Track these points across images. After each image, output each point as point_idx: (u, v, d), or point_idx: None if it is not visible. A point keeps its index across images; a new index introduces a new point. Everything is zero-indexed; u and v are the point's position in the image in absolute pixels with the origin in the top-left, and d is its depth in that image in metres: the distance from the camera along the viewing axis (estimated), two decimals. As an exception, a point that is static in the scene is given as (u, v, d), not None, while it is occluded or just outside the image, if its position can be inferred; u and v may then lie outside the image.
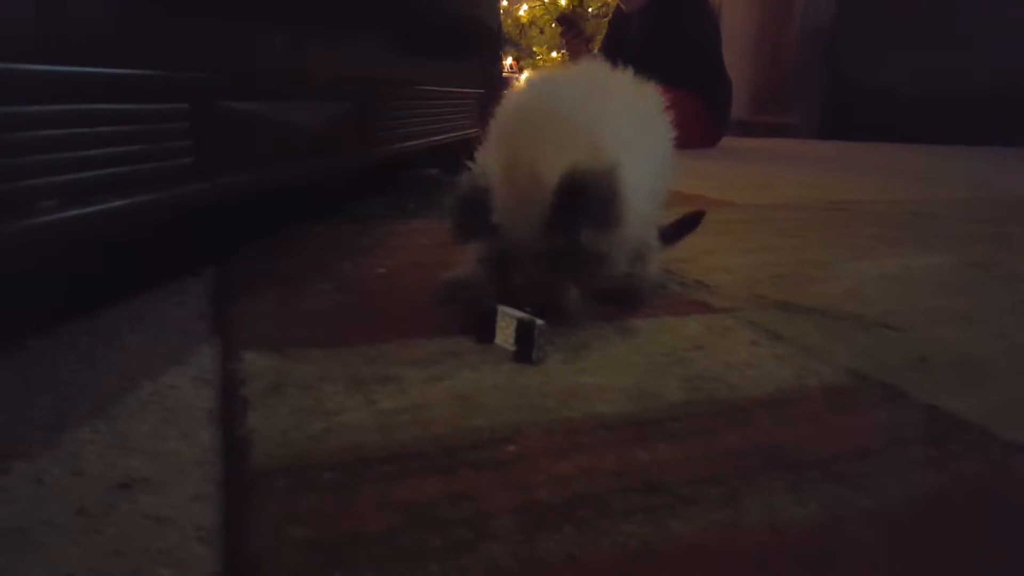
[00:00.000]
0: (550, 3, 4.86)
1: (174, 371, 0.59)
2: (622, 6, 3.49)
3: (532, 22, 4.95)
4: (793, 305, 0.78)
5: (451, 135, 1.47)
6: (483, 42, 1.66)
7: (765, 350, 0.64)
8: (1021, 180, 2.33)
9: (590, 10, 4.82)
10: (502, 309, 0.62)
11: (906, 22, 4.42)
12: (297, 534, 0.36)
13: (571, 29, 3.52)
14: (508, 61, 5.11)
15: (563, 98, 0.68)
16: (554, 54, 4.76)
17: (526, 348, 0.59)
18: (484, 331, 0.63)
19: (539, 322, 0.59)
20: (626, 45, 3.42)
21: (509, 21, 5.01)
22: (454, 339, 0.65)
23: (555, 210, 0.60)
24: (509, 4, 5.07)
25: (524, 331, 0.60)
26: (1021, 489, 0.42)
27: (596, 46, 3.74)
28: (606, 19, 3.84)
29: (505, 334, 0.62)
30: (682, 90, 3.18)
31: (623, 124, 0.68)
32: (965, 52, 4.29)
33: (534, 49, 4.98)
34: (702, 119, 3.30)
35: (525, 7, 5.01)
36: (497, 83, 1.95)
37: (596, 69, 0.78)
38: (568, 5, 4.77)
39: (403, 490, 0.40)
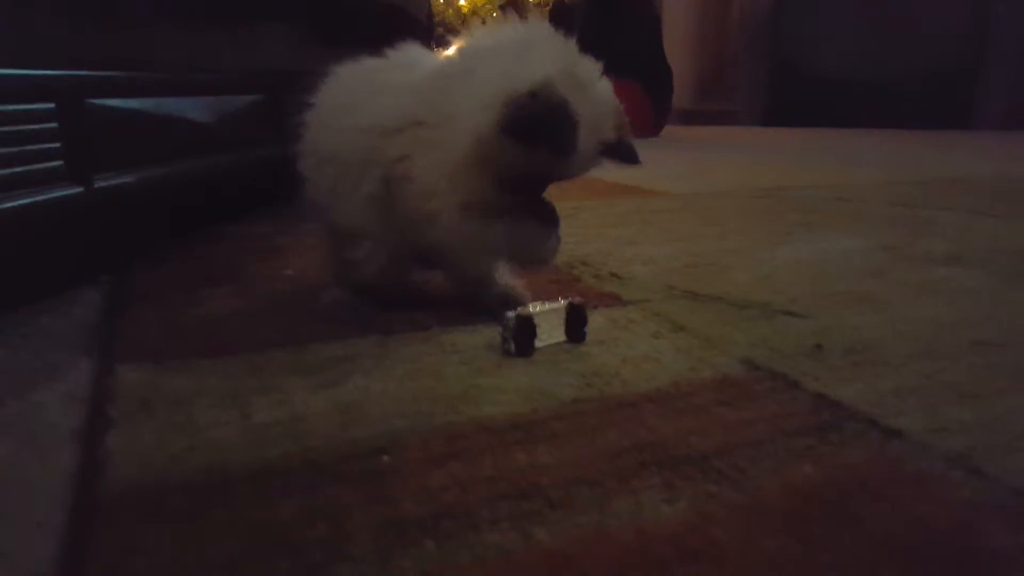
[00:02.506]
0: (492, -7, 4.81)
1: (44, 388, 0.55)
2: (562, -3, 3.49)
3: (474, 12, 4.90)
4: (702, 295, 0.77)
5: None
6: (409, 33, 1.63)
7: (666, 342, 0.63)
8: (943, 162, 2.40)
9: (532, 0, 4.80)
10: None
11: (840, 10, 4.52)
12: (136, 567, 0.34)
13: (512, 19, 3.49)
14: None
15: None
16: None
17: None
18: (524, 344, 0.60)
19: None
20: (567, 35, 3.41)
21: (451, 11, 4.95)
22: (352, 342, 0.63)
23: (519, 123, 0.57)
24: (451, -6, 5.01)
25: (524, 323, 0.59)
26: (893, 476, 0.42)
27: (537, 36, 3.72)
28: (548, 8, 3.83)
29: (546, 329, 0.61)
30: (624, 79, 3.20)
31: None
32: (895, 39, 4.41)
33: (477, 40, 4.93)
34: (644, 108, 3.32)
35: (466, -3, 4.95)
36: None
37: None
38: (509, -5, 4.73)
39: (259, 511, 0.38)
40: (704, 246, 1.03)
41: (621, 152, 0.63)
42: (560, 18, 3.50)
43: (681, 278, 0.85)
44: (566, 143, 0.58)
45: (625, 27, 3.23)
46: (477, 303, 0.69)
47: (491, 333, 0.64)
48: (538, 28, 0.64)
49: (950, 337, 0.65)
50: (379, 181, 0.65)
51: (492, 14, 4.25)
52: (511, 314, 0.60)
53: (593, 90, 0.61)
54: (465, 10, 4.90)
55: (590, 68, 0.62)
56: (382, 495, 0.39)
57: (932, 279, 0.85)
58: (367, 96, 0.67)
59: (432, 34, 3.23)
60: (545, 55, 0.61)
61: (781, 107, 4.74)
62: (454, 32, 4.98)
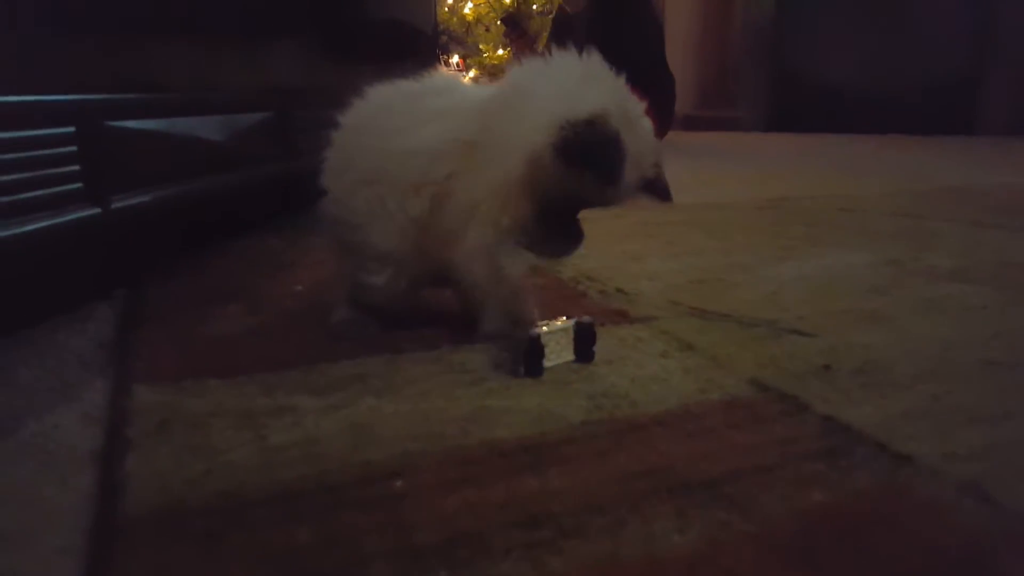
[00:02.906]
0: (495, 1, 4.84)
1: (62, 408, 0.56)
2: (565, 6, 3.50)
3: (478, 20, 4.93)
4: (710, 312, 0.78)
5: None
6: (415, 45, 1.64)
7: (674, 362, 0.64)
8: (946, 171, 2.40)
9: (535, 7, 4.82)
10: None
11: (843, 17, 4.53)
12: (156, 592, 0.34)
13: (515, 29, 3.52)
14: (455, 59, 5.08)
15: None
16: (500, 52, 4.75)
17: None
18: (533, 365, 0.61)
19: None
20: (570, 44, 3.42)
21: (455, 19, 4.98)
22: (362, 360, 0.63)
23: (572, 150, 0.59)
24: (455, 2, 5.04)
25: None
26: (903, 503, 0.42)
27: (540, 44, 3.74)
28: (551, 16, 3.84)
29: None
30: (627, 87, 3.21)
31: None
32: (900, 45, 4.41)
33: (480, 47, 4.96)
34: (647, 115, 3.33)
35: (471, 5, 4.98)
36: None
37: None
38: (512, 4, 4.76)
39: (276, 536, 0.38)
40: (710, 260, 1.03)
41: (656, 189, 0.66)
42: (563, 27, 3.51)
43: (688, 294, 0.85)
44: (614, 172, 0.61)
45: (628, 34, 3.24)
46: (484, 326, 0.69)
47: (499, 353, 0.65)
48: (593, 62, 0.66)
49: (958, 356, 0.65)
50: (427, 202, 0.66)
51: (497, 22, 4.26)
52: (520, 335, 0.61)
53: (639, 127, 0.64)
54: (469, 18, 4.93)
55: (638, 106, 0.64)
56: (397, 521, 0.40)
57: (939, 295, 0.85)
58: (414, 119, 0.67)
59: (437, 46, 3.25)
60: (601, 88, 0.63)
61: (783, 113, 4.74)
62: (458, 41, 5.02)
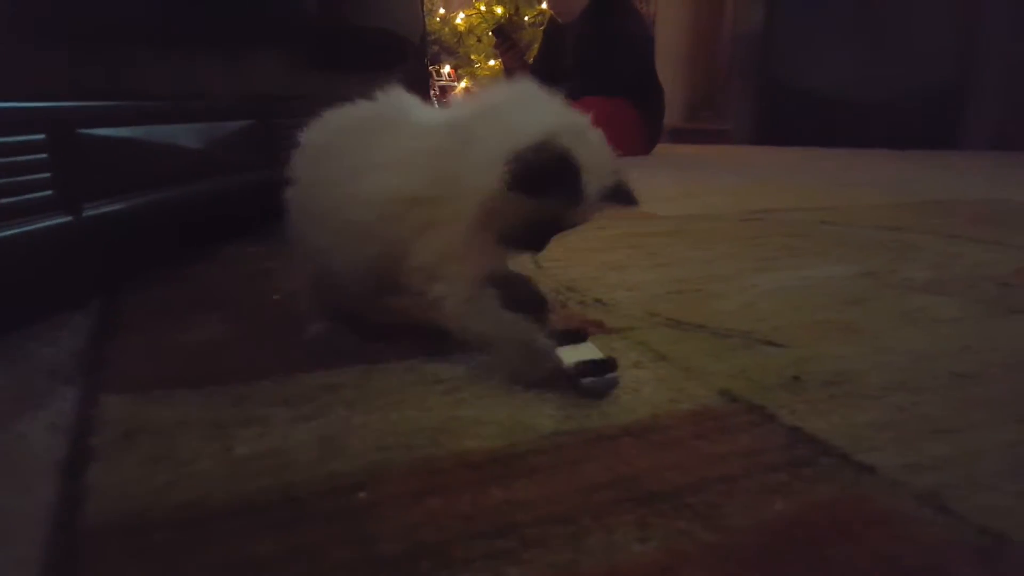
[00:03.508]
0: (487, 12, 4.87)
1: (29, 417, 0.56)
2: (557, 18, 3.52)
3: (470, 30, 4.95)
4: (685, 323, 0.78)
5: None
6: (402, 55, 1.65)
7: (647, 372, 0.64)
8: (935, 184, 2.43)
9: (526, 19, 4.85)
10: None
11: (832, 30, 4.58)
12: (113, 604, 0.34)
13: (505, 41, 3.54)
14: (446, 69, 5.10)
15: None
16: (492, 63, 4.77)
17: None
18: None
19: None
20: (561, 55, 3.46)
21: (447, 29, 5.00)
22: (336, 371, 0.63)
23: (529, 175, 0.57)
24: (447, 12, 5.06)
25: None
26: (862, 515, 0.42)
27: (531, 56, 3.76)
28: (542, 28, 3.87)
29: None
30: (617, 98, 3.24)
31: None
32: (890, 58, 4.47)
33: (472, 57, 4.98)
34: (637, 127, 3.36)
35: (462, 15, 5.01)
36: (422, 95, 1.94)
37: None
38: (504, 14, 4.78)
39: (238, 549, 0.38)
40: (690, 271, 1.04)
41: (620, 195, 0.64)
42: (554, 38, 3.53)
43: (666, 305, 0.86)
44: (575, 190, 0.59)
45: (618, 47, 3.27)
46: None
47: (475, 363, 0.65)
48: (525, 88, 0.64)
49: (928, 368, 0.66)
50: (378, 258, 0.65)
51: (488, 33, 4.29)
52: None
53: (588, 138, 0.62)
54: (461, 29, 4.95)
55: (582, 119, 0.63)
56: (360, 532, 0.40)
57: (913, 308, 0.86)
58: (362, 163, 0.65)
59: (426, 55, 3.26)
60: (539, 110, 0.62)
61: (772, 126, 4.78)
62: (450, 51, 5.04)
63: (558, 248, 0.73)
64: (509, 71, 3.67)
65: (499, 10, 4.83)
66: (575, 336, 0.65)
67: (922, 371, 0.65)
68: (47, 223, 0.60)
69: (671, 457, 0.49)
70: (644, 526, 0.41)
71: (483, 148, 0.59)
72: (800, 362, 0.67)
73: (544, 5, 4.47)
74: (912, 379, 0.63)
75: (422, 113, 0.69)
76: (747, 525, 0.41)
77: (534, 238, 0.64)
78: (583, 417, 0.55)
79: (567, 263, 1.08)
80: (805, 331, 0.76)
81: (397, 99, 0.70)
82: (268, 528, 0.40)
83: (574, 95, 3.11)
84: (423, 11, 2.15)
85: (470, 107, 0.67)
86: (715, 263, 1.10)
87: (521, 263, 0.76)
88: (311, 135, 0.71)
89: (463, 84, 5.01)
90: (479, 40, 4.86)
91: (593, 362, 0.59)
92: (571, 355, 0.61)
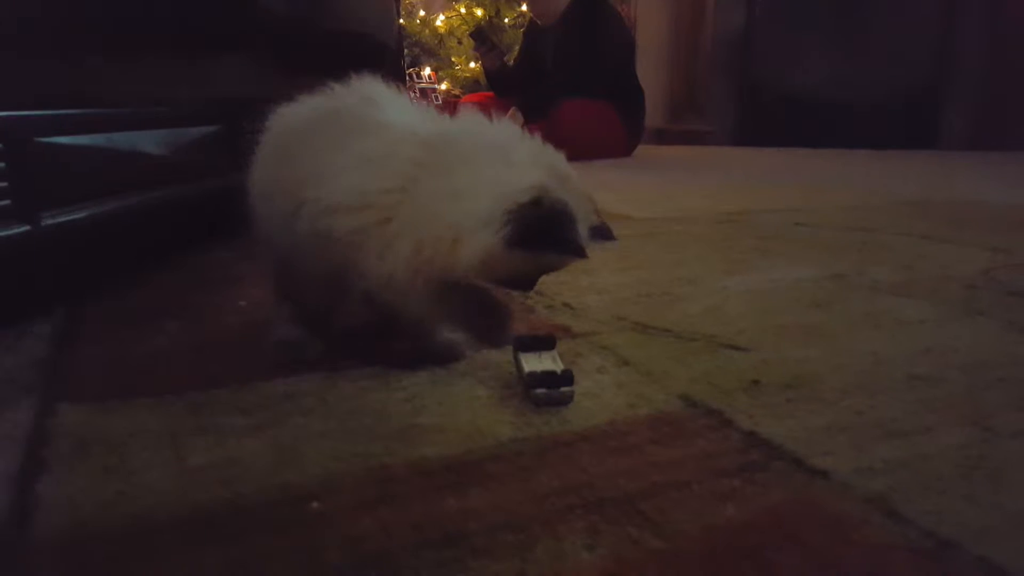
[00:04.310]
0: (467, 14, 4.86)
1: (-18, 428, 0.55)
2: (537, 20, 3.53)
3: (450, 32, 4.94)
4: (651, 327, 0.79)
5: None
6: (376, 58, 1.64)
7: (609, 378, 0.64)
8: (909, 185, 2.45)
9: (507, 21, 4.85)
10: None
11: (813, 32, 4.62)
12: (51, 620, 0.34)
13: (483, 44, 3.53)
14: (427, 72, 5.09)
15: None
16: (472, 65, 4.76)
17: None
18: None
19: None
20: (541, 58, 3.47)
21: (427, 31, 4.99)
22: (297, 379, 0.63)
23: (524, 229, 0.57)
24: (427, 14, 5.05)
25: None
26: (810, 519, 0.43)
27: (511, 58, 3.76)
28: (523, 30, 3.87)
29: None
30: (598, 100, 3.25)
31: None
32: (869, 59, 4.52)
33: (452, 59, 4.98)
34: (617, 129, 3.37)
35: (443, 17, 5.00)
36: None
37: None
38: (484, 16, 4.78)
39: (182, 561, 0.38)
40: (660, 274, 1.05)
41: (601, 233, 0.64)
42: (534, 40, 3.54)
43: (633, 308, 0.86)
44: (576, 243, 0.59)
45: (599, 48, 3.28)
46: (421, 350, 0.69)
47: (438, 369, 0.65)
48: (504, 128, 0.64)
49: (887, 371, 0.66)
50: (336, 260, 0.64)
51: (467, 34, 4.28)
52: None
53: (571, 183, 0.62)
54: (442, 30, 4.94)
55: (559, 158, 0.63)
56: (308, 543, 0.40)
57: (878, 310, 0.87)
58: (322, 164, 0.63)
59: (402, 59, 3.25)
60: (524, 156, 0.61)
61: (752, 127, 4.82)
62: (430, 53, 5.03)
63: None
64: (488, 73, 3.66)
65: (479, 12, 4.83)
66: (544, 342, 0.64)
67: (880, 374, 0.66)
68: (4, 233, 0.59)
69: (626, 463, 0.49)
70: (594, 533, 0.41)
71: (475, 203, 0.58)
72: (761, 366, 0.67)
73: (524, 7, 4.48)
74: (870, 382, 0.64)
75: (393, 111, 0.67)
76: (696, 531, 0.41)
77: (526, 283, 0.64)
78: (542, 424, 0.55)
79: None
80: (769, 334, 0.77)
81: (368, 91, 0.68)
82: (215, 540, 0.40)
83: (555, 97, 3.13)
84: (398, 13, 2.15)
85: (446, 127, 0.65)
86: (685, 266, 1.11)
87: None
88: (272, 135, 0.70)
89: (443, 86, 5.00)
90: (460, 42, 4.85)
91: (550, 373, 0.59)
92: (532, 363, 0.61)
